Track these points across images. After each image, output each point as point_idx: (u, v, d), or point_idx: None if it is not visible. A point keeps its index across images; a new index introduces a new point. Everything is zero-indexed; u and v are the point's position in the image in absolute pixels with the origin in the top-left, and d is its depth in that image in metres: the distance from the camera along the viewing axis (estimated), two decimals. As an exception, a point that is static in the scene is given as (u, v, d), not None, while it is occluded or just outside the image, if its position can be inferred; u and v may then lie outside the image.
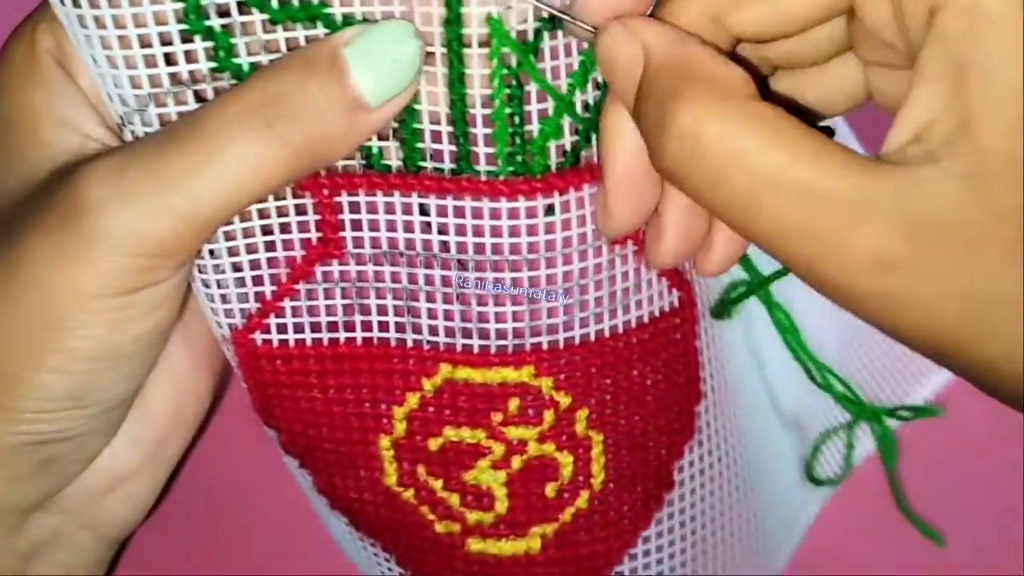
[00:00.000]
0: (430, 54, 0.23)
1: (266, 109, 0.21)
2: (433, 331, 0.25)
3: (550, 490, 0.27)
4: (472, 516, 0.27)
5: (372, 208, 0.24)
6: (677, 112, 0.19)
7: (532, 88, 0.23)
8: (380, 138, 0.24)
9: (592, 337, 0.25)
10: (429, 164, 0.24)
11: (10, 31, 0.24)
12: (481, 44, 0.23)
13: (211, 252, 0.24)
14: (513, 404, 0.26)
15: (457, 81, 0.23)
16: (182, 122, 0.22)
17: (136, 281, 0.22)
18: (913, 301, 0.18)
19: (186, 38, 0.22)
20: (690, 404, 0.28)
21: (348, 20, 0.22)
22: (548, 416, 0.26)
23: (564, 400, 0.26)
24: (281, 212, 0.24)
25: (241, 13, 0.22)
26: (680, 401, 0.27)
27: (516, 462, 0.26)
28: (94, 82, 0.23)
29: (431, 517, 0.27)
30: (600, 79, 0.23)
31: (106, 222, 0.21)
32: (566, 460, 0.26)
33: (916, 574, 0.32)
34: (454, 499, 0.27)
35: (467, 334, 0.25)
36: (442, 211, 0.24)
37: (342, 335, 0.26)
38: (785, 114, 0.19)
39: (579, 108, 0.24)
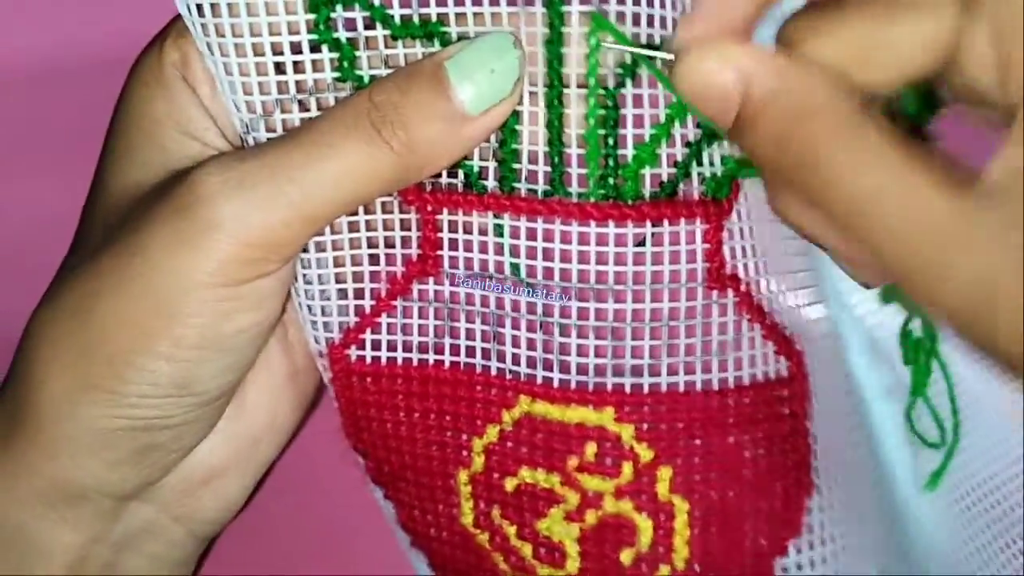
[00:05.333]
0: (532, 74, 0.23)
1: (372, 115, 0.23)
2: (515, 360, 0.24)
3: (626, 557, 0.25)
4: (543, 571, 0.25)
5: (468, 228, 0.25)
6: (797, 141, 0.19)
7: (629, 112, 0.23)
8: (481, 159, 0.24)
9: (681, 388, 0.24)
10: (523, 185, 0.24)
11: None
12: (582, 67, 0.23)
13: (317, 262, 0.25)
14: (590, 449, 0.24)
15: (556, 100, 0.23)
16: (297, 127, 0.24)
17: (245, 272, 0.23)
18: (1007, 329, 0.18)
19: (314, 48, 0.24)
20: (799, 495, 0.25)
21: (463, 39, 0.23)
22: (627, 469, 0.24)
23: (645, 454, 0.24)
24: (387, 226, 0.25)
25: (366, 28, 0.24)
26: (786, 488, 0.25)
27: (591, 517, 0.25)
28: (214, 95, 0.25)
29: (504, 567, 0.26)
30: None
31: (220, 210, 0.23)
32: (645, 524, 0.24)
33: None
34: (527, 549, 0.25)
35: (548, 366, 0.24)
36: (532, 234, 0.24)
37: (431, 357, 0.25)
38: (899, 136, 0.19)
39: (679, 143, 0.23)
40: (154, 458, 0.25)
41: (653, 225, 0.23)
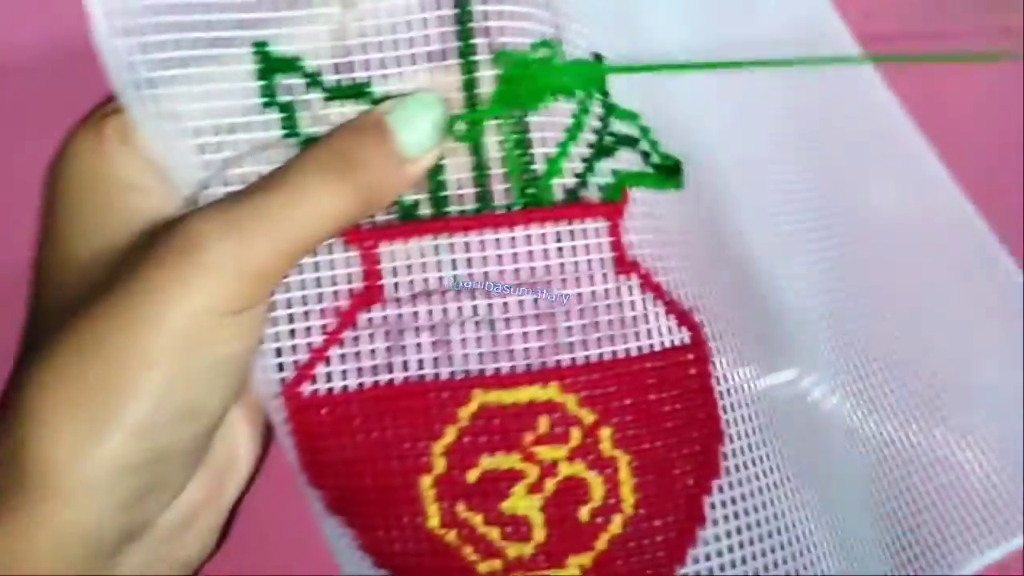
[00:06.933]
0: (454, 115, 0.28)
1: (337, 161, 0.27)
2: (465, 360, 0.28)
3: (584, 513, 0.28)
4: (512, 550, 0.28)
5: (408, 254, 0.29)
6: None
7: (537, 135, 0.29)
8: (414, 193, 0.29)
9: (607, 357, 0.29)
10: (455, 208, 0.29)
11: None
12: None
13: (269, 305, 0.28)
14: (543, 423, 0.28)
15: (476, 135, 0.28)
16: (270, 175, 0.27)
17: (240, 303, 0.26)
18: None
19: (262, 110, 0.28)
20: (713, 443, 0.30)
21: (388, 98, 0.28)
22: (575, 433, 0.28)
23: (588, 417, 0.28)
24: (330, 265, 0.29)
25: (304, 92, 0.28)
26: (702, 436, 0.30)
27: (550, 485, 0.28)
28: (157, 154, 0.27)
29: (474, 558, 0.28)
30: (591, 137, 0.29)
31: (218, 248, 0.25)
32: (596, 480, 0.28)
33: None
34: (494, 533, 0.28)
35: (496, 358, 0.28)
36: (468, 247, 0.28)
37: (382, 377, 0.29)
38: None
39: (577, 159, 0.29)
40: (159, 493, 0.26)
41: (567, 223, 0.29)
